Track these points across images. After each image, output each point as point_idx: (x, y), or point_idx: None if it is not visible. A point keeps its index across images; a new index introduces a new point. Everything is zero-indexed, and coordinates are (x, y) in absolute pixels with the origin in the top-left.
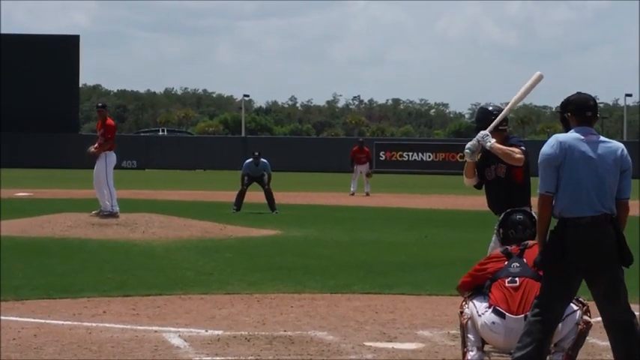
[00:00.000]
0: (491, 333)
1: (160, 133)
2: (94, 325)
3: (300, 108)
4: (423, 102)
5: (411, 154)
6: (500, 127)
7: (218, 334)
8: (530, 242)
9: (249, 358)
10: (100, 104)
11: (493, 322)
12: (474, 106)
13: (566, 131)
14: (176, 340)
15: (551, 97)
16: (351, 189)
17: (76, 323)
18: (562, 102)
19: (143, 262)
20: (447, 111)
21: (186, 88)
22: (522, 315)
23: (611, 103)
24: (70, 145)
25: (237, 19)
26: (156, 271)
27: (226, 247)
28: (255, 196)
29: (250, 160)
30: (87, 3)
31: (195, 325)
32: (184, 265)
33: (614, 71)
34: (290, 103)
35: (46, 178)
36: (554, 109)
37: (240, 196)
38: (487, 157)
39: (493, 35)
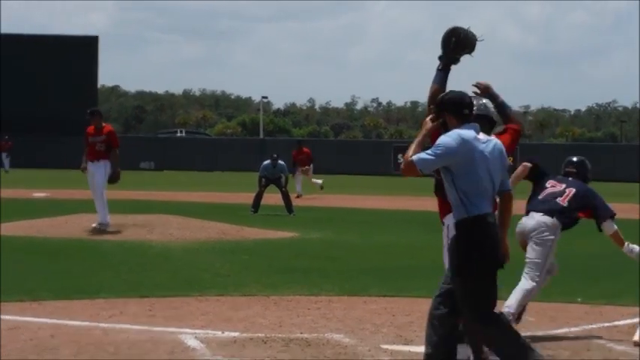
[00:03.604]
0: None
1: (179, 134)
2: (110, 326)
3: (318, 110)
4: None
5: None
6: None
7: (234, 336)
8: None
9: (266, 359)
10: (93, 109)
11: None
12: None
13: (444, 128)
14: (192, 342)
15: (570, 101)
16: (297, 189)
17: (92, 324)
18: (437, 101)
19: (160, 263)
20: None
21: (204, 90)
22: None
23: (630, 107)
24: None
25: (256, 22)
26: (173, 272)
27: (243, 249)
28: (272, 198)
29: (268, 161)
30: (106, 5)
31: (211, 327)
32: (201, 267)
33: (633, 74)
34: (308, 105)
35: (64, 179)
36: (563, 109)
37: (258, 197)
38: None
39: (511, 38)
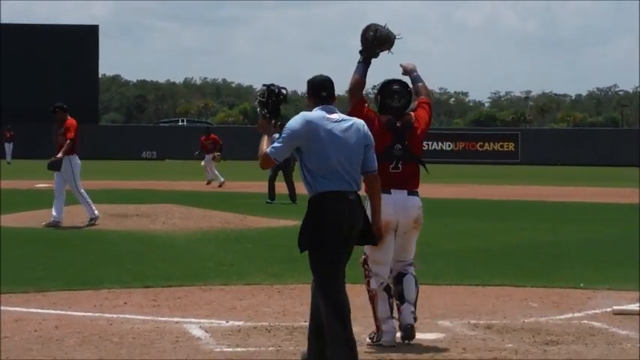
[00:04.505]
0: (383, 207)
1: (180, 123)
2: (114, 316)
3: None
4: (442, 91)
5: (430, 143)
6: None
7: (239, 325)
8: (413, 118)
9: (270, 349)
10: (53, 106)
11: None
12: (493, 95)
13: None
14: (197, 331)
15: (571, 86)
16: (208, 177)
17: (97, 315)
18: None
19: (163, 253)
20: (467, 99)
21: (205, 78)
22: (405, 190)
23: (630, 91)
24: (89, 136)
25: (257, 9)
26: (176, 262)
27: (247, 238)
28: (276, 186)
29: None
30: None
31: (215, 316)
32: (205, 256)
33: (633, 59)
34: None
35: None
36: (578, 96)
37: (272, 185)
38: None
39: (513, 24)
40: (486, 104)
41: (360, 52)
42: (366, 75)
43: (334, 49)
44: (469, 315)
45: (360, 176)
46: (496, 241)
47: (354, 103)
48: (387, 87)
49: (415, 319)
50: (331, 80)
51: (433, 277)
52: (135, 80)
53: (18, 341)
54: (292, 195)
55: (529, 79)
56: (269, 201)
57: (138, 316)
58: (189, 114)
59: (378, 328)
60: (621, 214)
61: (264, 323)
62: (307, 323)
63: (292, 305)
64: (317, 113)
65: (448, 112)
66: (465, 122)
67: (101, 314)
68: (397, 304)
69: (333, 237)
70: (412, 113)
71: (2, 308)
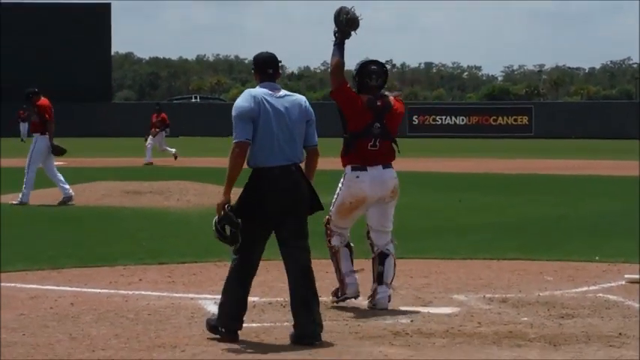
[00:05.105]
0: (358, 184)
1: (193, 100)
2: (130, 293)
3: None
4: (455, 65)
5: (444, 117)
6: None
7: (254, 301)
8: (391, 100)
9: (285, 324)
10: (29, 91)
11: (357, 177)
12: (506, 69)
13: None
14: (212, 307)
15: (584, 59)
16: (147, 157)
17: (112, 291)
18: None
19: (178, 229)
20: (480, 74)
21: (217, 55)
22: (380, 165)
23: None
24: (102, 113)
25: None
26: (191, 238)
27: None
28: None
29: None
30: None
31: None
32: None
33: None
34: (322, 68)
35: (79, 147)
36: (587, 70)
37: None
38: None
39: None
40: (499, 78)
41: (335, 33)
42: (344, 55)
43: None
44: (484, 289)
45: (302, 150)
46: (510, 214)
47: (337, 85)
48: (365, 67)
49: (390, 299)
50: (276, 57)
51: (447, 252)
52: (147, 58)
53: (34, 318)
54: None
55: (542, 53)
56: None
57: (153, 293)
58: (202, 91)
59: (341, 282)
60: (633, 186)
61: (279, 299)
62: (319, 299)
63: None
64: (260, 90)
65: (461, 87)
66: (479, 96)
67: (116, 291)
68: (374, 285)
69: (263, 212)
70: (391, 97)
71: (18, 285)
